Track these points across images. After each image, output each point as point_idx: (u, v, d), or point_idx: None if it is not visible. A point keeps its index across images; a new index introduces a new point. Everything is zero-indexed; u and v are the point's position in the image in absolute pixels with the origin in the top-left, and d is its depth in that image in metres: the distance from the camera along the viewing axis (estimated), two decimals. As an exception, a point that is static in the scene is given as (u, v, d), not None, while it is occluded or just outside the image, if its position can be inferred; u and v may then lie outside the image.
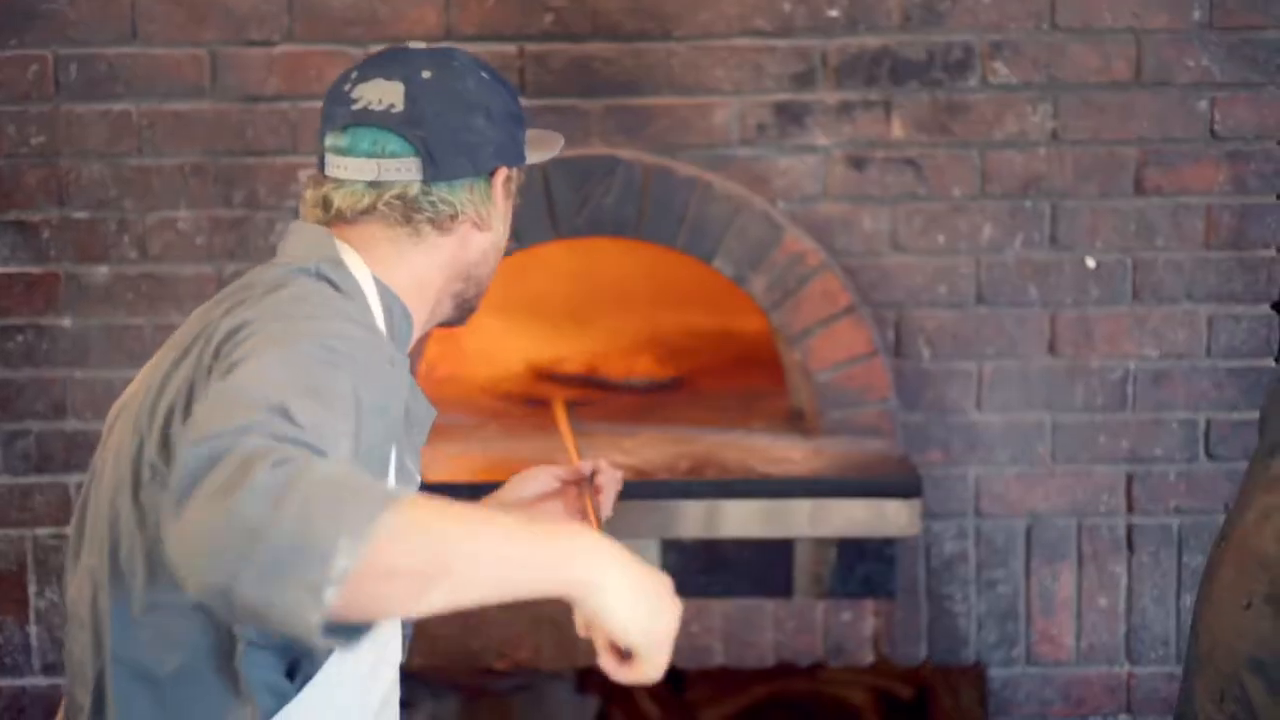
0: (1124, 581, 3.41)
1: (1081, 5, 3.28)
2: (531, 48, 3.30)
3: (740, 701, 4.08)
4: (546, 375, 4.13)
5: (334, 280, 1.82)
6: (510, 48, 3.29)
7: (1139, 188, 3.33)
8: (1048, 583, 3.41)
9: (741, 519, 3.08)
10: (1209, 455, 3.38)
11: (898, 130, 3.32)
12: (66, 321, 3.36)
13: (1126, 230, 3.34)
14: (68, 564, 1.86)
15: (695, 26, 3.29)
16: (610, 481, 2.27)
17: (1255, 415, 3.32)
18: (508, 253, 3.25)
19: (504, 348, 4.64)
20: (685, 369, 4.31)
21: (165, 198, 3.33)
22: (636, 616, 1.48)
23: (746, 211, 3.30)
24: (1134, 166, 3.33)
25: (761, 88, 3.31)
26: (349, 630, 1.42)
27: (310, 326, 1.67)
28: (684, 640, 3.37)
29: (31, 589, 3.40)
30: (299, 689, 1.74)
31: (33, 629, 3.40)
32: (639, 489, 3.05)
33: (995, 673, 3.43)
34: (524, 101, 3.23)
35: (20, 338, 3.36)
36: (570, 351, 4.55)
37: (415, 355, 3.45)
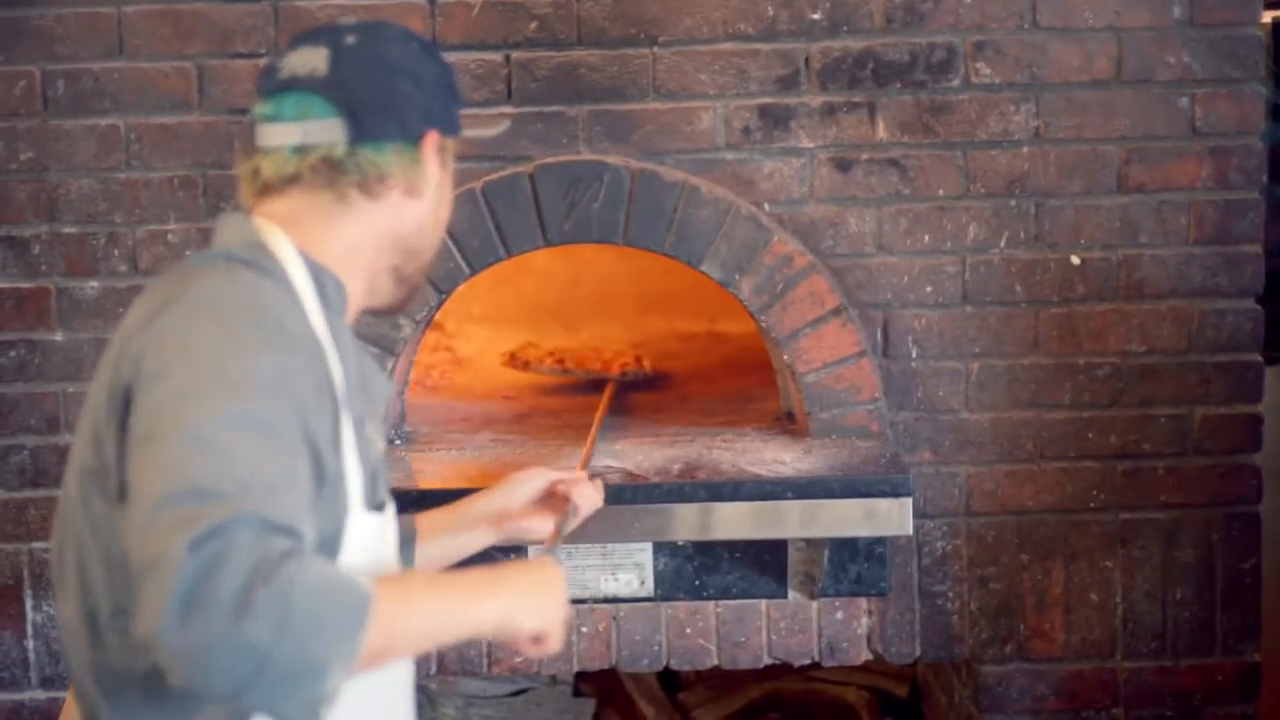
0: (1115, 576, 3.43)
1: (1062, 4, 3.30)
2: (517, 55, 3.32)
3: (735, 702, 4.10)
4: (522, 363, 4.16)
5: (250, 261, 1.83)
6: (496, 55, 3.31)
7: (1122, 185, 3.35)
8: (1039, 579, 3.43)
9: (734, 521, 3.08)
10: (1197, 449, 3.40)
11: (882, 131, 3.33)
12: (59, 336, 3.37)
13: (1111, 227, 3.36)
14: (56, 583, 1.88)
15: (679, 32, 3.31)
16: (586, 502, 2.42)
17: (1242, 409, 3.36)
18: (496, 260, 3.32)
19: (494, 355, 4.66)
20: (672, 370, 4.34)
21: (154, 211, 3.34)
22: (534, 621, 1.84)
23: (734, 214, 3.31)
24: (1117, 164, 3.35)
25: (746, 91, 3.32)
26: None
27: (235, 351, 1.70)
28: (678, 642, 3.42)
29: (29, 603, 3.41)
30: None
31: (30, 643, 3.41)
32: (631, 493, 3.07)
33: (988, 669, 3.44)
34: (510, 109, 3.31)
35: (13, 353, 3.38)
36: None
37: (402, 352, 3.47)
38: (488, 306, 4.87)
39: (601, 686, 4.14)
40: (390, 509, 2.02)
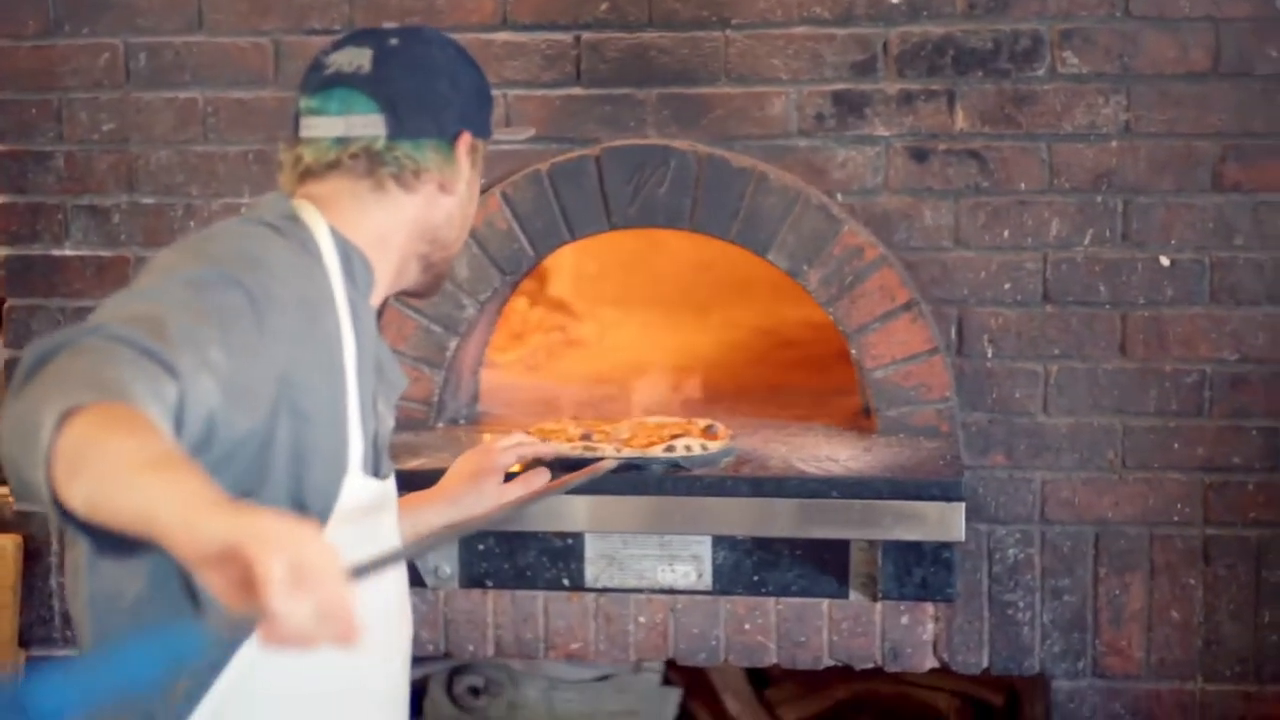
0: (1199, 594, 3.26)
1: (1155, -8, 3.14)
2: (587, 36, 3.28)
3: (822, 701, 4.01)
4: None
5: (277, 226, 1.91)
6: (566, 36, 3.27)
7: (1217, 183, 3.17)
8: (1117, 593, 3.27)
9: (785, 518, 3.00)
10: (1291, 466, 3.21)
11: (961, 121, 3.21)
12: (137, 304, 3.44)
13: (1204, 228, 3.18)
14: None
15: (753, 14, 3.23)
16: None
17: (1330, 425, 3.17)
18: (560, 243, 3.29)
19: (618, 337, 4.63)
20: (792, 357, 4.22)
21: (230, 184, 3.39)
22: (274, 546, 1.32)
23: (803, 203, 3.23)
24: (1212, 161, 3.17)
25: (820, 77, 3.23)
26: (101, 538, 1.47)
27: (206, 248, 1.81)
28: (737, 638, 3.35)
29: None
30: None
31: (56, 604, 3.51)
32: (672, 485, 3.01)
33: (1060, 684, 3.30)
34: (579, 91, 3.27)
35: (99, 318, 3.46)
36: (684, 344, 4.51)
37: (468, 333, 3.45)
38: (620, 288, 4.84)
39: (689, 677, 4.08)
40: (391, 481, 2.06)
